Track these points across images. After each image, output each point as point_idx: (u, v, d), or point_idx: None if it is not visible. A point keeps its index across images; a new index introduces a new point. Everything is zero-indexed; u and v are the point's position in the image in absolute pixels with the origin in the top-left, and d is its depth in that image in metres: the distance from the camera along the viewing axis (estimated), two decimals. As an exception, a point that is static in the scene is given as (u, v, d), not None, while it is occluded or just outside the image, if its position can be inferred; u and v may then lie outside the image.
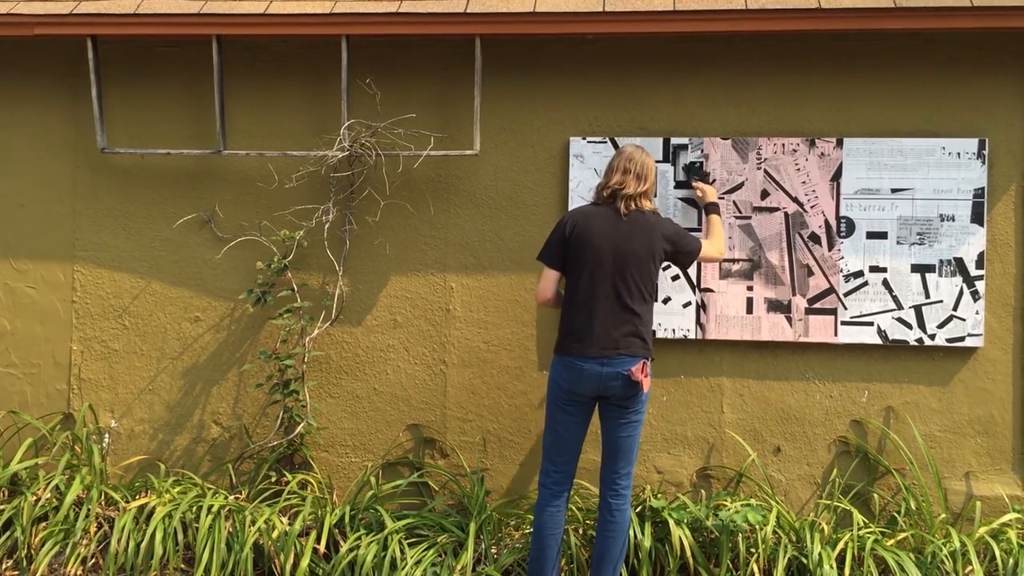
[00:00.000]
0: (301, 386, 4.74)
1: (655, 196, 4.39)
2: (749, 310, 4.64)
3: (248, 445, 4.87)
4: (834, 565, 4.06)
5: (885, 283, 4.59)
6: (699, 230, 4.66)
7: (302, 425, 4.68)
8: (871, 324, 4.59)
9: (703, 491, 4.70)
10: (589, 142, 4.71)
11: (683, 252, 4.02)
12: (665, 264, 4.66)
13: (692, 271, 4.65)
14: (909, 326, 4.58)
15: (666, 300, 4.67)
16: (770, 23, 4.43)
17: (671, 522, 4.20)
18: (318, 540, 4.31)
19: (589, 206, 4.03)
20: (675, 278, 4.67)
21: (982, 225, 4.54)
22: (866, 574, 4.07)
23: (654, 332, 4.61)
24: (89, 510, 4.49)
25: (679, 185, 4.67)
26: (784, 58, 4.68)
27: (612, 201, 3.95)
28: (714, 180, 4.64)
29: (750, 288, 4.64)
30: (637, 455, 4.00)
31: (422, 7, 4.57)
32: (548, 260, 4.02)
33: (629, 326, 3.86)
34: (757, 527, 4.23)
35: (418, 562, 4.17)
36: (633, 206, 3.93)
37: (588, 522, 4.42)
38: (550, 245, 4.02)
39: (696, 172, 4.63)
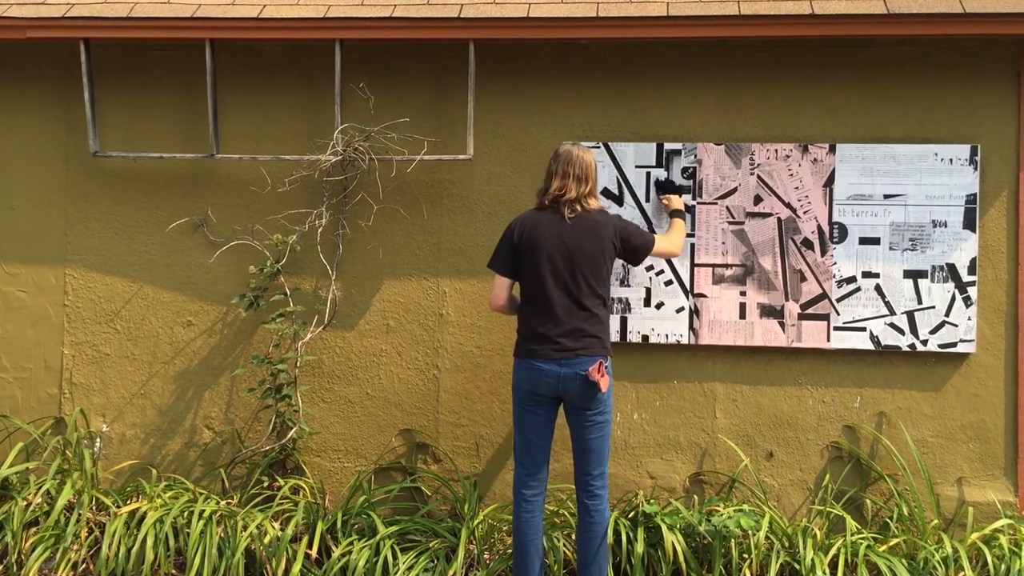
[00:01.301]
0: (293, 391, 4.73)
1: (599, 193, 4.48)
2: (742, 315, 4.65)
3: (240, 450, 4.86)
4: (827, 571, 4.06)
5: (878, 289, 4.60)
6: (692, 234, 4.66)
7: (294, 430, 4.67)
8: (864, 329, 4.60)
9: (696, 496, 4.70)
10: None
11: (634, 247, 4.00)
12: (659, 270, 4.67)
13: (685, 276, 4.66)
14: (902, 332, 4.59)
15: (659, 305, 4.67)
16: (763, 29, 4.44)
17: (664, 527, 4.20)
18: (310, 545, 4.30)
19: (534, 211, 3.98)
20: (668, 283, 4.67)
21: (974, 231, 4.55)
22: (858, 580, 4.07)
23: (646, 336, 4.60)
24: (80, 515, 4.47)
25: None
26: (777, 64, 4.69)
27: (556, 206, 3.92)
28: (685, 190, 4.65)
29: (743, 293, 4.65)
30: (609, 455, 3.99)
31: (416, 12, 4.57)
32: (498, 268, 4.03)
33: (585, 326, 3.86)
34: (750, 532, 4.23)
35: (410, 567, 4.16)
36: (579, 208, 3.90)
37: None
38: (499, 252, 4.02)
39: (662, 187, 4.64)
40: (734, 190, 4.66)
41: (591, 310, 3.87)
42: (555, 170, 3.95)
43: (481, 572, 4.26)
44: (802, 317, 4.62)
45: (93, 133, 4.85)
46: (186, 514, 4.43)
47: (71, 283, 4.99)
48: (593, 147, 4.70)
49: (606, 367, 3.86)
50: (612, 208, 4.69)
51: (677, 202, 4.54)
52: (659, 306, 4.67)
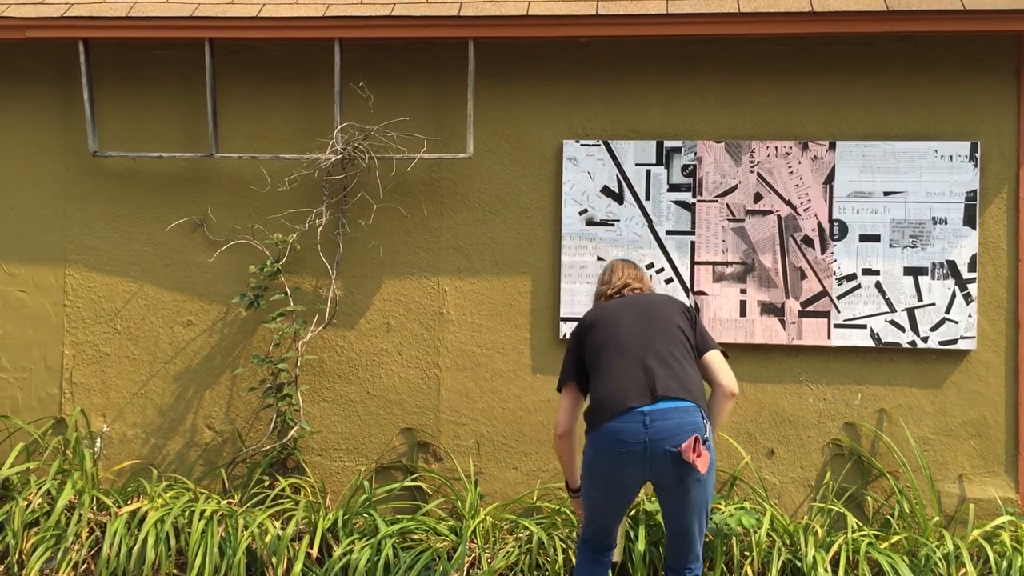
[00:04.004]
0: (294, 390, 4.72)
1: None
2: (742, 313, 4.64)
3: (241, 449, 4.85)
4: (828, 568, 4.06)
5: (878, 286, 4.60)
6: (692, 232, 4.66)
7: (295, 429, 4.67)
8: (864, 327, 4.60)
9: (697, 494, 4.69)
10: (582, 145, 4.71)
11: (701, 330, 3.55)
12: (659, 267, 4.67)
13: (685, 274, 4.66)
14: (902, 329, 4.58)
15: (660, 303, 4.67)
16: (763, 26, 4.43)
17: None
18: (311, 544, 4.30)
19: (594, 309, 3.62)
20: (668, 281, 4.67)
21: (974, 228, 4.55)
22: (860, 577, 4.07)
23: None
24: (81, 515, 4.46)
25: (672, 188, 4.68)
26: (777, 61, 4.69)
27: (617, 294, 3.65)
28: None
29: (743, 291, 4.65)
30: (706, 532, 3.55)
31: (415, 10, 4.57)
32: (565, 376, 3.53)
33: (670, 371, 3.35)
34: (751, 530, 4.22)
35: (411, 566, 4.16)
36: (641, 290, 3.65)
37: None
38: (565, 363, 3.56)
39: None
40: (734, 188, 4.66)
41: (677, 359, 3.41)
42: (607, 275, 3.72)
43: (483, 571, 4.26)
44: (802, 315, 4.62)
45: (92, 133, 4.84)
46: (187, 514, 4.43)
47: (71, 283, 4.99)
48: (593, 145, 4.70)
49: (704, 443, 3.30)
50: (611, 206, 4.69)
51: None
52: (659, 304, 4.67)
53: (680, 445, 3.21)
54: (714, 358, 3.49)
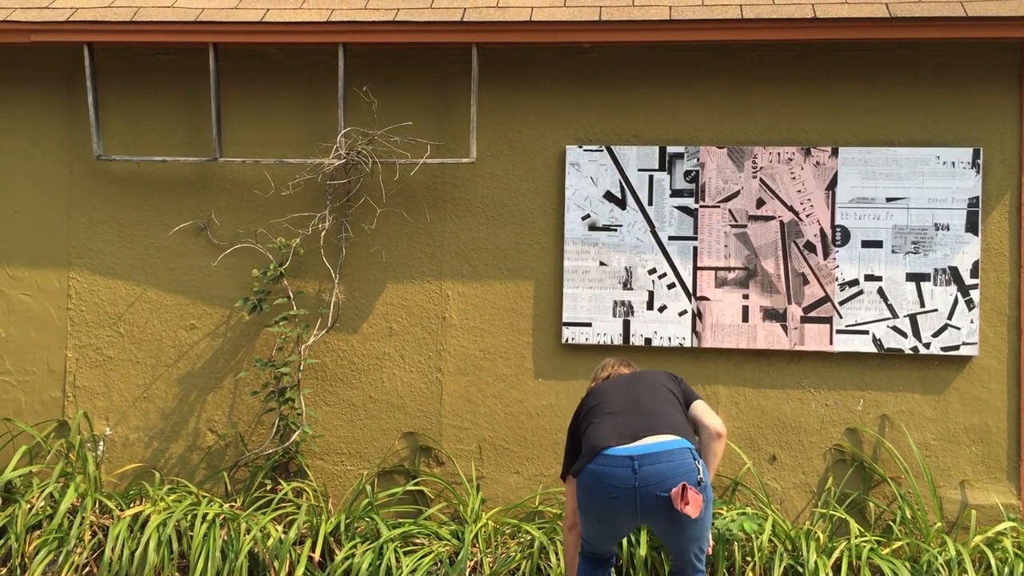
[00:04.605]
0: (297, 394, 4.73)
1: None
2: (745, 318, 4.65)
3: (243, 453, 4.86)
4: (830, 574, 4.06)
5: (880, 292, 4.60)
6: (694, 237, 4.67)
7: (297, 433, 4.67)
8: (866, 333, 4.60)
9: (699, 499, 4.70)
10: (585, 150, 4.72)
11: (685, 387, 3.64)
12: (661, 273, 4.67)
13: (688, 280, 4.66)
14: (904, 335, 4.59)
15: (662, 308, 4.67)
16: (766, 33, 4.44)
17: (667, 530, 4.20)
18: (313, 548, 4.30)
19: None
20: (671, 287, 4.68)
21: (976, 234, 4.56)
22: (862, 583, 4.07)
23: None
24: (83, 518, 4.47)
25: (675, 194, 4.68)
26: (779, 68, 4.69)
27: (607, 377, 3.77)
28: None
29: (746, 296, 4.65)
30: (710, 537, 3.49)
31: (419, 16, 4.58)
32: (566, 464, 3.55)
33: (654, 415, 3.37)
34: (753, 536, 4.22)
35: (413, 571, 4.16)
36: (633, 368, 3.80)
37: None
38: (566, 451, 3.60)
39: None
40: (737, 193, 4.67)
41: (666, 409, 3.46)
42: (598, 369, 3.84)
43: (484, 575, 4.26)
44: (805, 320, 4.63)
45: (97, 137, 4.86)
46: (189, 517, 4.43)
47: (74, 286, 5.00)
48: (596, 150, 4.71)
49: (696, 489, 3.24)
50: (614, 211, 4.70)
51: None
52: (662, 309, 4.68)
53: (671, 491, 3.15)
54: (698, 405, 3.54)
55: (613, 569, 3.65)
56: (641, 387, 3.53)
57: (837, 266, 4.62)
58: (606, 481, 3.22)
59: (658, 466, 3.19)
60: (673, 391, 3.55)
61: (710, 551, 3.64)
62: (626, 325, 4.69)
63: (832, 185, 4.62)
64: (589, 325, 4.71)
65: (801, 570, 4.13)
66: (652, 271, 4.69)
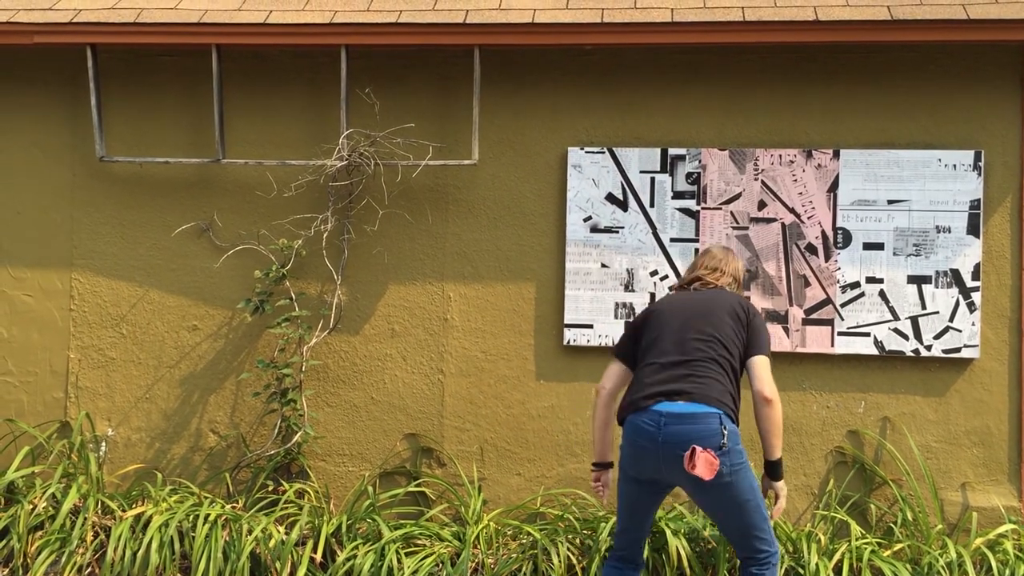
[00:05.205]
0: (298, 395, 4.74)
1: (735, 284, 3.78)
2: (746, 320, 4.65)
3: (245, 454, 4.87)
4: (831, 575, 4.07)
5: (882, 294, 4.61)
6: (696, 239, 4.68)
7: (299, 434, 4.68)
8: (868, 335, 4.61)
9: (700, 501, 4.70)
10: (587, 152, 4.73)
11: (755, 327, 3.52)
12: (663, 275, 4.68)
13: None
14: (905, 337, 4.59)
15: (663, 310, 4.68)
16: (767, 35, 4.45)
17: (668, 532, 4.21)
18: (315, 549, 4.30)
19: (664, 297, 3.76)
20: (671, 287, 4.68)
21: (978, 237, 4.56)
22: (863, 585, 4.07)
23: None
24: (85, 519, 4.48)
25: (677, 196, 4.69)
26: (781, 70, 4.70)
27: (685, 286, 3.74)
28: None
29: (747, 298, 4.65)
30: (764, 519, 3.41)
31: (421, 18, 4.59)
32: (619, 350, 3.67)
33: (695, 376, 3.41)
34: (754, 537, 4.22)
35: (415, 572, 4.17)
36: (712, 285, 3.68)
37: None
38: (622, 338, 3.70)
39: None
40: (738, 195, 4.67)
41: (710, 364, 3.46)
42: (692, 263, 3.85)
43: (486, 576, 4.27)
44: (806, 322, 4.63)
45: (99, 138, 4.87)
46: (191, 518, 4.44)
47: (77, 287, 5.01)
48: (597, 152, 4.72)
49: (717, 453, 3.27)
50: (616, 213, 4.71)
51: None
52: (663, 311, 4.68)
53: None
54: (753, 363, 3.50)
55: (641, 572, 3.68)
56: (700, 332, 3.46)
57: (838, 268, 4.63)
58: (637, 431, 3.39)
59: (680, 427, 3.32)
60: (732, 339, 3.47)
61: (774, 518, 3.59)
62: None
63: (834, 187, 4.63)
64: (591, 327, 4.72)
65: (802, 572, 4.13)
66: (654, 273, 4.70)
